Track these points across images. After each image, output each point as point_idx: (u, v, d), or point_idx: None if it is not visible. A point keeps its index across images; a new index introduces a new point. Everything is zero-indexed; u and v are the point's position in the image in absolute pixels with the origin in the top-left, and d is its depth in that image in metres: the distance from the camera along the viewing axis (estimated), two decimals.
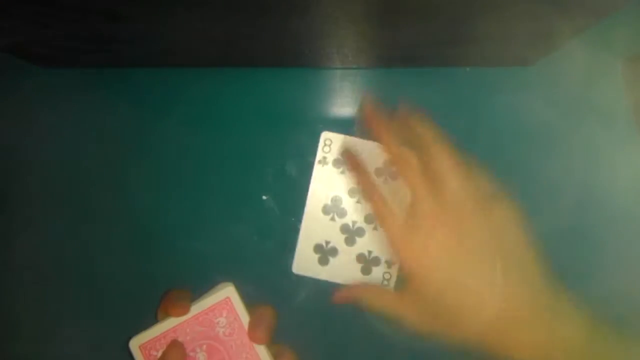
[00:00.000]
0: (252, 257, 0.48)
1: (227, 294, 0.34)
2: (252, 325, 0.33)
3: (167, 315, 0.34)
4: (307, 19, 0.37)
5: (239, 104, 0.49)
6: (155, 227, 0.49)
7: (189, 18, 0.37)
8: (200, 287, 0.49)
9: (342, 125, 0.48)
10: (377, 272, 0.46)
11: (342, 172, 0.46)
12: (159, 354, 0.33)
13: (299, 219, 0.47)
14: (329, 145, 0.46)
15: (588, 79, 0.47)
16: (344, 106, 0.49)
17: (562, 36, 0.42)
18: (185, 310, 0.33)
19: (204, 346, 0.33)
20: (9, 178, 0.50)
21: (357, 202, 0.46)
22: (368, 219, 0.46)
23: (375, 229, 0.45)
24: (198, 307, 0.34)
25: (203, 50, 0.45)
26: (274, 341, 0.35)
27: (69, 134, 0.50)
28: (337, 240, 0.46)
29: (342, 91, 0.50)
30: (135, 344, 0.33)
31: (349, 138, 0.46)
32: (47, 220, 0.50)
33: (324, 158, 0.46)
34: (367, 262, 0.46)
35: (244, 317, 0.34)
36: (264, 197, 0.48)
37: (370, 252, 0.45)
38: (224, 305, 0.34)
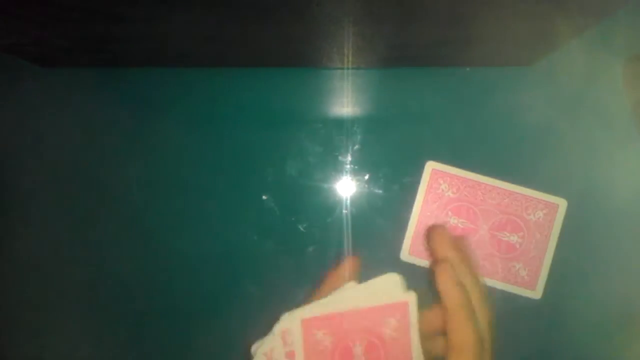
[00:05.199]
0: (252, 257, 0.48)
1: (406, 298, 0.31)
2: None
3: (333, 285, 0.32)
4: (307, 19, 0.37)
5: (239, 104, 0.49)
6: (155, 227, 0.49)
7: (189, 18, 0.37)
8: (201, 287, 0.49)
9: (346, 126, 0.48)
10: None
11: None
12: (320, 335, 0.30)
13: (299, 219, 0.48)
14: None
15: (588, 78, 0.47)
16: (344, 106, 0.49)
17: (562, 36, 0.42)
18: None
19: (365, 342, 0.30)
20: (9, 178, 0.50)
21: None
22: None
23: None
24: (370, 300, 0.30)
25: (203, 50, 0.45)
26: None
27: (69, 134, 0.50)
28: None
29: (342, 91, 0.50)
30: (297, 317, 0.30)
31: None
32: (47, 220, 0.50)
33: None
34: None
35: (414, 328, 0.31)
36: (264, 197, 0.48)
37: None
38: (399, 307, 0.31)
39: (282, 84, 0.49)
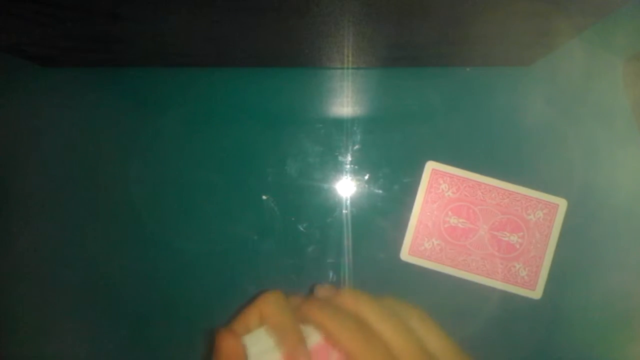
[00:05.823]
0: (252, 257, 0.48)
1: None
2: None
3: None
4: (307, 19, 0.37)
5: (239, 104, 0.49)
6: (154, 227, 0.49)
7: (189, 18, 0.37)
8: (201, 286, 0.49)
9: (346, 126, 0.48)
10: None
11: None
12: None
13: (299, 219, 0.48)
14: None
15: (588, 78, 0.47)
16: (344, 106, 0.49)
17: (561, 36, 0.42)
18: None
19: None
20: (9, 177, 0.50)
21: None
22: None
23: None
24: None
25: (203, 50, 0.45)
26: None
27: (69, 134, 0.50)
28: None
29: (342, 91, 0.50)
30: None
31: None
32: (46, 220, 0.50)
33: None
34: None
35: None
36: (264, 197, 0.48)
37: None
38: None
39: (282, 84, 0.49)
